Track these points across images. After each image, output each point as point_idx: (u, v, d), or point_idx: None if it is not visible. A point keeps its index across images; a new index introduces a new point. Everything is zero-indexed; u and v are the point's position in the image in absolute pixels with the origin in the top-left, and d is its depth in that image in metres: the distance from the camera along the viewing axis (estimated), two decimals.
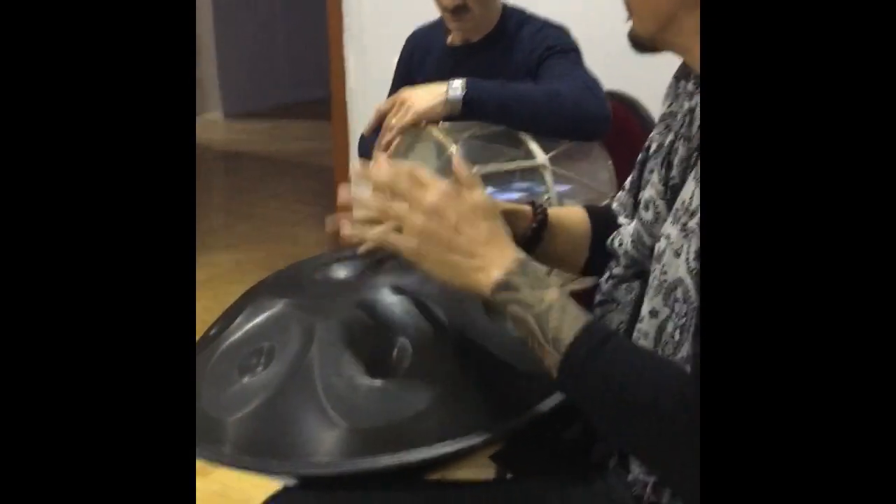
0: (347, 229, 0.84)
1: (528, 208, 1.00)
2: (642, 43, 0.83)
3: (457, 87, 1.37)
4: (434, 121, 1.39)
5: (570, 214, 1.05)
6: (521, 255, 0.76)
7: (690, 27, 0.78)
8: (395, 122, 1.39)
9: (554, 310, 0.72)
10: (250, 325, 0.85)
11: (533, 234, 0.99)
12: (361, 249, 0.86)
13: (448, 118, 1.40)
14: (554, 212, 1.01)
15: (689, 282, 0.75)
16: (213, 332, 0.89)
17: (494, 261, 0.75)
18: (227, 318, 0.88)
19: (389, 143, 1.41)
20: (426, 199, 0.76)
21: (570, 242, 1.02)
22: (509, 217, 0.98)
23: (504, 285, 0.74)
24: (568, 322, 0.72)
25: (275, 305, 0.85)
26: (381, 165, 0.80)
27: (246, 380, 0.80)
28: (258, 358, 0.81)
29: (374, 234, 0.79)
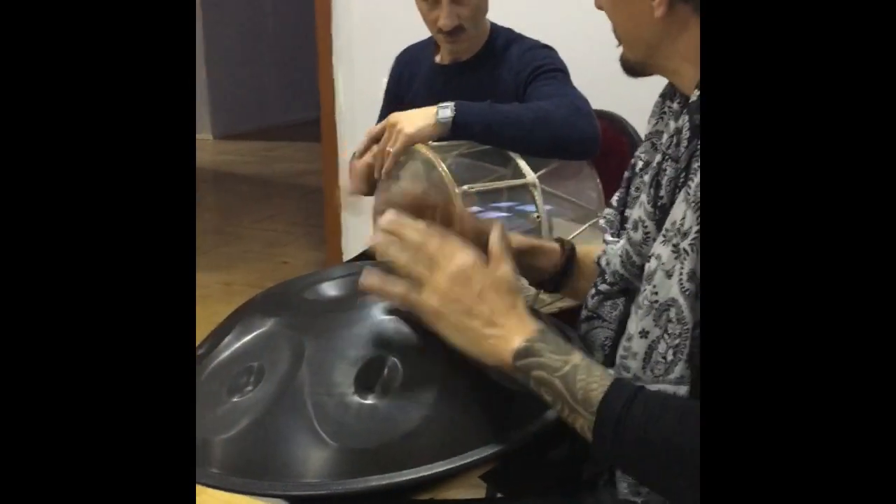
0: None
1: (555, 245, 1.01)
2: (633, 67, 0.86)
3: (446, 109, 1.38)
4: (423, 142, 1.40)
5: (596, 251, 1.05)
6: (541, 325, 0.77)
7: (677, 51, 0.80)
8: (389, 147, 1.39)
9: (580, 370, 0.73)
10: (239, 343, 0.84)
11: (562, 269, 1.00)
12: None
13: (438, 139, 1.41)
14: (581, 248, 1.03)
15: (683, 302, 0.75)
16: (201, 351, 0.88)
17: (515, 330, 0.76)
18: (216, 337, 0.88)
19: (387, 169, 1.41)
20: (453, 263, 0.77)
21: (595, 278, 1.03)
22: (537, 253, 1.00)
23: (526, 352, 0.74)
24: (595, 381, 0.72)
25: (264, 324, 0.85)
26: (411, 225, 0.80)
27: (235, 399, 0.79)
28: (247, 377, 0.80)
29: (396, 291, 0.79)
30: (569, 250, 1.02)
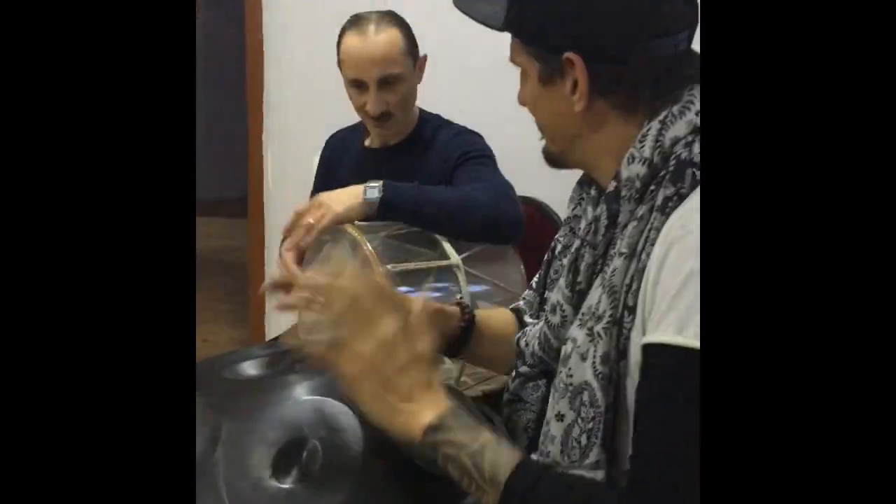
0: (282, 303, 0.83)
1: (455, 309, 1.02)
2: (554, 159, 0.89)
3: (374, 189, 1.39)
4: (350, 222, 1.40)
5: (497, 316, 1.06)
6: (454, 402, 0.77)
7: (596, 145, 0.84)
8: (313, 221, 1.39)
9: (488, 449, 0.73)
10: None
11: (461, 334, 1.00)
12: (302, 364, 0.85)
13: (365, 219, 1.41)
14: (482, 313, 1.03)
15: (596, 385, 0.76)
16: None
17: (428, 406, 0.76)
18: None
19: (308, 243, 1.40)
20: (380, 330, 0.77)
21: (498, 343, 1.04)
22: (438, 316, 1.00)
23: (437, 428, 0.74)
24: (503, 460, 0.73)
25: None
26: (348, 278, 0.79)
27: None
28: None
29: (317, 349, 0.78)
30: (468, 315, 1.02)
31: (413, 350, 0.77)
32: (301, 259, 1.43)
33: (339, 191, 1.42)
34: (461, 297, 1.41)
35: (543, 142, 0.90)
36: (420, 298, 0.85)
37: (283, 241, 1.74)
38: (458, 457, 0.73)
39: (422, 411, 0.75)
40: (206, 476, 0.75)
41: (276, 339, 1.60)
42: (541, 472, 0.73)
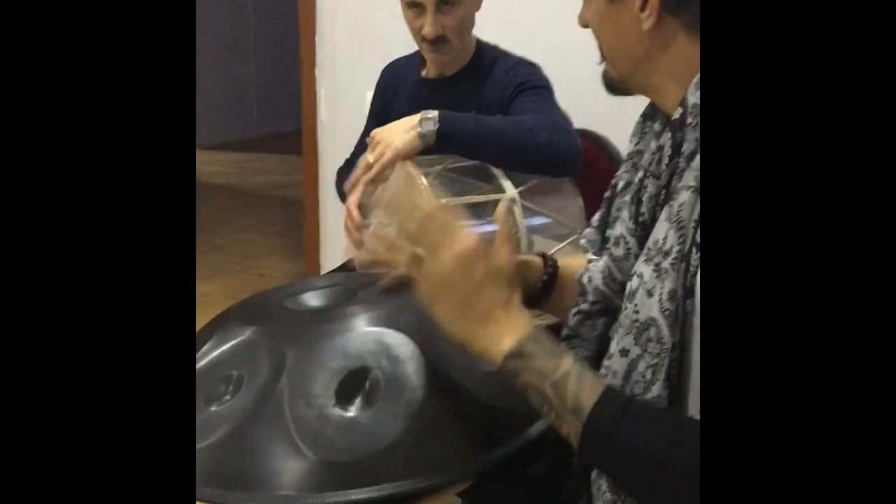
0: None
1: (538, 260, 1.01)
2: (615, 85, 0.85)
3: (429, 120, 1.37)
4: (410, 156, 1.39)
5: (578, 264, 1.05)
6: (534, 323, 0.75)
7: (662, 68, 0.80)
8: (373, 159, 1.37)
9: (571, 378, 0.72)
10: (217, 352, 0.83)
11: (544, 286, 0.99)
12: (383, 282, 0.84)
13: (423, 152, 1.40)
14: (563, 262, 1.02)
15: (663, 322, 0.75)
16: None
17: (507, 328, 0.75)
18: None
19: (372, 177, 1.38)
20: (458, 244, 0.75)
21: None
22: (520, 268, 0.99)
23: (517, 354, 0.73)
24: (587, 389, 0.71)
25: (244, 333, 0.84)
26: (424, 195, 0.78)
27: (212, 408, 0.78)
28: (225, 386, 0.79)
29: (400, 259, 0.77)
30: (552, 266, 1.01)
31: (491, 264, 0.75)
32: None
33: (394, 124, 1.40)
34: (517, 232, 1.40)
35: (603, 66, 0.86)
36: (503, 204, 0.82)
37: (338, 176, 1.73)
38: (540, 385, 0.72)
39: (500, 335, 0.74)
40: (271, 404, 0.76)
41: (338, 268, 1.61)
42: (626, 402, 0.71)
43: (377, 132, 1.41)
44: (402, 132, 1.37)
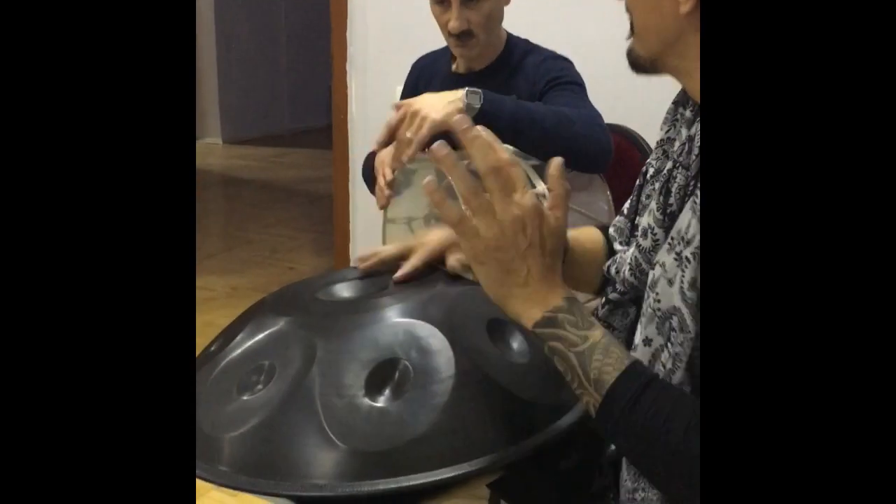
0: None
1: None
2: (640, 63, 0.82)
3: (475, 95, 1.32)
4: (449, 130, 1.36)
5: (587, 235, 1.05)
6: (570, 293, 0.75)
7: (695, 52, 0.77)
8: (411, 134, 1.30)
9: (597, 350, 0.72)
10: (251, 342, 0.84)
11: None
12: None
13: None
14: (571, 232, 1.01)
15: (686, 311, 0.74)
16: (212, 348, 0.88)
17: (543, 296, 0.74)
18: (228, 335, 0.87)
19: (410, 156, 1.31)
20: (513, 210, 0.72)
21: (587, 263, 1.02)
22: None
23: (548, 322, 0.73)
24: (610, 364, 0.71)
25: (277, 323, 0.84)
26: (492, 144, 0.74)
27: (245, 397, 0.79)
28: (258, 376, 0.80)
29: (453, 212, 0.74)
30: None
31: (543, 230, 0.73)
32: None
33: (432, 96, 1.34)
34: None
35: (630, 42, 0.83)
36: (558, 162, 0.77)
37: (366, 159, 1.69)
38: (566, 354, 0.72)
39: (536, 302, 0.74)
40: (302, 394, 0.76)
41: None
42: (648, 381, 0.71)
43: (414, 103, 1.33)
44: (442, 105, 1.30)
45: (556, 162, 0.76)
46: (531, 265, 0.73)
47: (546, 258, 0.74)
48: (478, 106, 1.32)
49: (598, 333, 0.73)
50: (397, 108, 1.34)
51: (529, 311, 0.74)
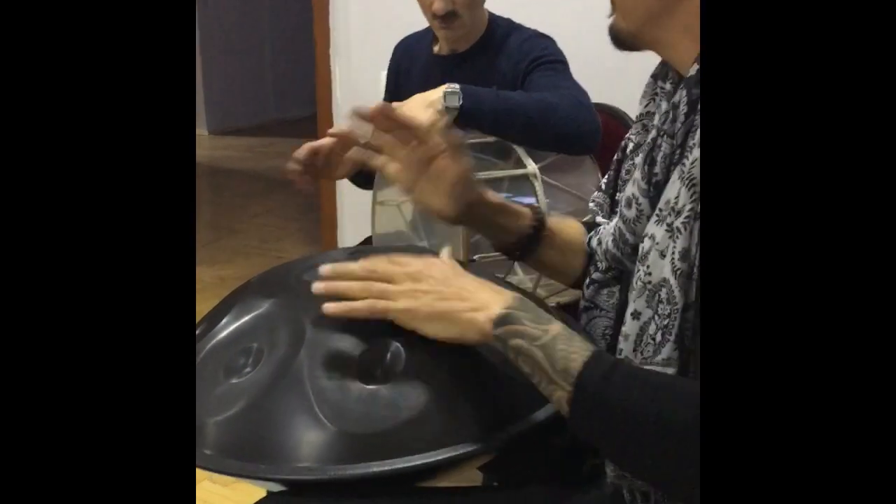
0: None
1: (526, 209, 1.00)
2: (623, 38, 0.82)
3: (454, 95, 1.32)
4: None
5: (568, 224, 1.04)
6: (519, 294, 0.75)
7: (677, 22, 0.77)
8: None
9: (560, 340, 0.71)
10: (237, 324, 0.83)
11: (532, 234, 0.98)
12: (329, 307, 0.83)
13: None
14: (552, 219, 1.01)
15: (674, 282, 0.74)
16: (198, 331, 0.87)
17: (491, 298, 0.75)
18: (213, 318, 0.86)
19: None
20: (408, 268, 0.79)
21: (566, 252, 1.02)
22: (509, 214, 0.98)
23: (505, 319, 0.73)
24: (575, 351, 0.71)
25: (263, 305, 0.83)
26: (350, 265, 0.82)
27: (232, 380, 0.78)
28: (245, 358, 0.79)
29: (360, 306, 0.78)
30: (539, 216, 1.00)
31: (444, 266, 0.80)
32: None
33: (412, 101, 1.35)
34: (538, 207, 1.39)
35: (611, 19, 0.82)
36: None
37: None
38: (529, 349, 0.72)
39: (487, 304, 0.75)
40: (291, 376, 0.75)
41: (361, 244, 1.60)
42: (616, 363, 0.70)
43: (396, 107, 1.34)
44: (423, 108, 1.31)
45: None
46: (459, 282, 0.78)
47: (467, 276, 0.79)
48: (457, 105, 1.31)
49: (557, 326, 0.73)
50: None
51: (483, 315, 0.74)
